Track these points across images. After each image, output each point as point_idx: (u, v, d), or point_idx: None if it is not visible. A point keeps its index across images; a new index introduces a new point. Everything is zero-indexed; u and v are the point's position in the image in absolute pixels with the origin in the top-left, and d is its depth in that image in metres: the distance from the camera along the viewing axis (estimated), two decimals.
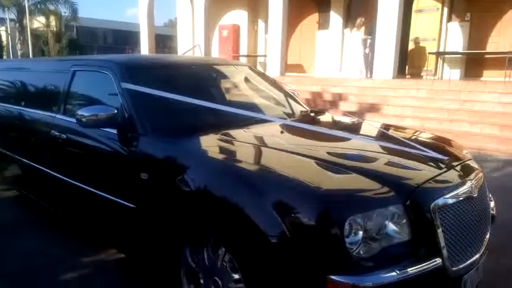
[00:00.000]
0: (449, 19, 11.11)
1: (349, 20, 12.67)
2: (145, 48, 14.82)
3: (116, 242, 3.00)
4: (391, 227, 1.80)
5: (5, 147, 4.05)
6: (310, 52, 13.71)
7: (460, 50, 10.76)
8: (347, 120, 3.43)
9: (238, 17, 14.96)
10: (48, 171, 3.31)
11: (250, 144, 2.41)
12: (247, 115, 2.65)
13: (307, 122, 3.02)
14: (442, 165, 2.18)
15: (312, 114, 3.29)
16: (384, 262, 1.73)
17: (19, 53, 18.75)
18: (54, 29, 21.20)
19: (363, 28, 10.88)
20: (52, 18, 21.32)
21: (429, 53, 10.97)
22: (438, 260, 1.82)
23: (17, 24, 18.28)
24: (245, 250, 1.89)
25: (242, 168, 2.02)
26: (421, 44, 11.54)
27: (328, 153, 2.31)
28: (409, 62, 11.66)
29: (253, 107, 3.10)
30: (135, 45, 31.71)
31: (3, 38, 21.43)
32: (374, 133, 2.90)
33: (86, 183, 2.90)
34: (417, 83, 9.44)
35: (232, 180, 2.01)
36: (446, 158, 2.26)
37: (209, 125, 2.68)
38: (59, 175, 3.19)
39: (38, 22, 21.00)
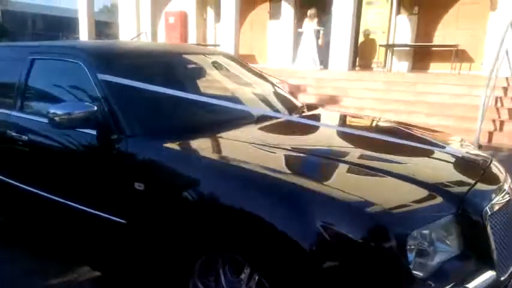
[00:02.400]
0: (398, 12, 11.35)
1: (301, 10, 12.58)
2: (84, 36, 13.78)
3: (94, 260, 2.58)
4: (445, 239, 1.62)
5: None
6: (262, 42, 13.50)
7: (408, 43, 11.05)
8: (354, 117, 3.21)
9: (185, 3, 14.35)
10: (1, 177, 2.80)
11: (269, 147, 2.10)
12: (252, 111, 2.34)
13: (315, 118, 2.77)
14: (478, 167, 2.04)
15: (317, 111, 3.04)
16: (443, 279, 1.55)
17: None
18: None
19: (315, 19, 10.82)
20: None
21: (379, 45, 11.17)
22: (492, 273, 1.67)
23: None
24: (284, 273, 1.61)
25: (276, 178, 1.72)
26: (371, 36, 11.73)
27: (360, 156, 2.08)
28: (359, 54, 11.81)
29: (249, 101, 2.79)
30: (71, 32, 29.73)
31: None
32: (394, 132, 2.69)
33: (56, 194, 2.46)
34: (372, 75, 9.57)
35: (265, 193, 1.70)
36: (479, 158, 2.12)
37: (209, 124, 2.36)
38: (15, 182, 2.70)
39: None
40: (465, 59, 10.13)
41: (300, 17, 12.24)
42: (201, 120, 2.40)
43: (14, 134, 2.67)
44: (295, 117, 2.59)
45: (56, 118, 2.16)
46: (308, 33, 10.76)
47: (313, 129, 2.51)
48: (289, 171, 1.86)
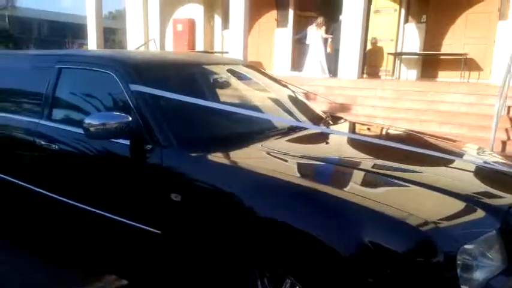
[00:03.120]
0: (406, 20, 11.39)
1: (300, 18, 12.69)
2: (92, 42, 13.84)
3: (123, 269, 2.58)
4: (491, 254, 1.61)
5: None
6: (269, 50, 13.55)
7: (417, 51, 11.08)
8: (382, 127, 3.20)
9: (193, 11, 14.43)
10: (30, 187, 2.79)
11: (307, 159, 2.10)
12: (284, 122, 2.34)
13: (344, 129, 2.77)
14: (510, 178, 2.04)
15: (343, 121, 3.03)
16: None
17: None
18: None
19: (323, 27, 10.87)
20: None
21: (388, 54, 11.20)
22: None
23: None
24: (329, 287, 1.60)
25: (321, 192, 1.72)
26: (379, 44, 11.77)
27: (397, 169, 2.08)
28: (366, 62, 11.84)
29: (277, 112, 2.78)
30: (76, 38, 29.89)
31: None
32: (423, 143, 2.68)
33: (87, 204, 2.45)
34: (382, 83, 9.58)
35: (311, 207, 1.70)
36: (507, 169, 2.12)
37: (242, 134, 2.35)
38: (44, 191, 2.69)
39: None
40: (474, 68, 10.15)
41: (301, 25, 12.33)
42: (233, 131, 2.40)
43: (43, 143, 2.68)
44: (329, 129, 2.59)
45: (91, 128, 2.17)
46: (315, 41, 10.80)
47: (344, 140, 2.51)
48: (332, 184, 1.85)
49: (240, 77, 3.03)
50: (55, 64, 2.82)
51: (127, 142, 2.25)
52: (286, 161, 2.09)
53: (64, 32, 34.56)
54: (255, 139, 2.29)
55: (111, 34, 31.15)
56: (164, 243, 2.12)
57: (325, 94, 9.29)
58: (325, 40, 10.90)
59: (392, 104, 8.45)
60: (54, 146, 2.61)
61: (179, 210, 2.03)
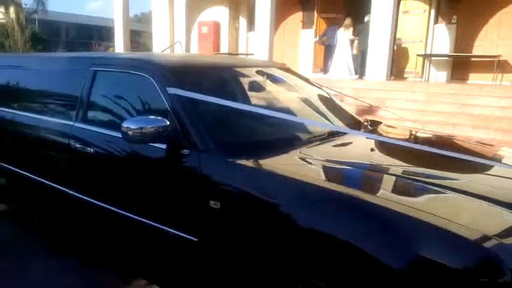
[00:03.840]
0: (436, 21, 11.11)
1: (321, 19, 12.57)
2: (119, 45, 14.02)
3: (154, 274, 2.53)
4: None
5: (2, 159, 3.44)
6: (294, 51, 13.45)
7: (447, 52, 10.79)
8: (426, 133, 3.06)
9: (218, 13, 14.46)
10: (64, 189, 2.78)
11: (354, 168, 2.00)
12: (327, 127, 2.25)
13: (386, 135, 2.66)
14: None
15: (384, 126, 2.92)
16: None
17: None
18: (21, 22, 19.70)
19: (351, 29, 10.72)
20: (15, 10, 19.79)
21: (417, 55, 10.94)
22: None
23: None
24: None
25: (371, 203, 1.62)
26: (406, 46, 11.53)
27: (449, 178, 1.96)
28: (393, 63, 11.60)
29: (315, 116, 2.69)
30: (102, 40, 30.43)
31: None
32: (473, 150, 2.55)
33: (121, 207, 2.42)
34: (411, 85, 9.36)
35: (360, 218, 1.60)
36: None
37: (280, 140, 2.28)
38: (77, 194, 2.67)
39: (7, 14, 19.41)
40: (507, 70, 9.82)
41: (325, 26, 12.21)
42: (272, 136, 2.32)
43: (78, 145, 2.66)
44: (370, 134, 2.48)
45: (129, 132, 2.13)
46: (343, 43, 10.65)
47: (386, 146, 2.40)
48: (382, 195, 1.75)
49: (275, 79, 2.95)
50: (90, 67, 2.80)
51: (163, 146, 2.21)
52: (331, 169, 2.00)
53: (90, 34, 35.27)
54: (295, 145, 2.20)
55: (137, 36, 31.59)
56: (201, 251, 2.06)
57: (354, 97, 9.13)
58: (352, 41, 10.75)
59: (423, 107, 8.23)
60: (89, 149, 2.59)
61: (218, 218, 1.96)
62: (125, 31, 13.95)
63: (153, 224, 2.24)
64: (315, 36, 12.65)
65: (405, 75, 11.39)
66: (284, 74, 3.19)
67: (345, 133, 2.47)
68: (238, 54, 14.42)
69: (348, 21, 10.57)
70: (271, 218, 1.79)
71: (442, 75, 10.96)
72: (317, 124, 2.35)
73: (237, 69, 2.84)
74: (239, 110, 2.27)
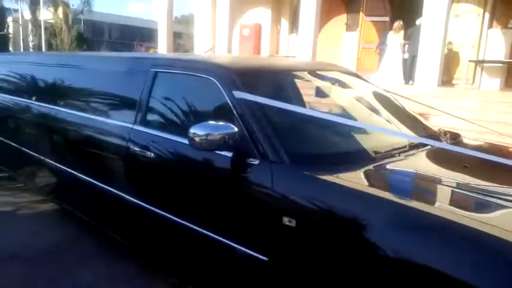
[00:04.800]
0: (490, 26, 10.57)
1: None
2: (163, 47, 14.15)
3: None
4: None
5: (55, 159, 3.40)
6: (336, 54, 13.14)
7: (502, 58, 10.23)
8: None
9: (259, 15, 14.37)
10: (120, 193, 2.69)
11: (456, 190, 1.77)
12: (410, 138, 2.03)
13: (471, 147, 2.42)
14: None
15: (465, 139, 2.67)
16: None
17: (31, 45, 17.95)
18: (68, 22, 20.35)
19: (401, 32, 10.30)
20: (63, 10, 20.46)
21: (469, 61, 10.44)
22: None
23: (30, 15, 17.43)
24: None
25: (488, 235, 1.40)
26: (456, 50, 11.02)
27: None
28: (443, 68, 11.12)
29: (392, 127, 2.47)
30: (143, 41, 31.02)
31: (11, 30, 20.60)
32: None
33: (183, 217, 2.29)
34: (465, 92, 8.90)
35: (465, 247, 1.39)
36: None
37: (358, 151, 2.07)
38: (140, 202, 2.56)
39: (50, 13, 20.17)
40: None
41: (370, 29, 11.85)
42: (349, 147, 2.12)
43: (137, 149, 2.56)
44: (460, 148, 2.23)
45: (196, 138, 2.00)
46: (393, 47, 10.25)
47: (473, 161, 2.15)
48: (491, 222, 1.51)
49: (342, 84, 2.75)
50: (150, 68, 2.70)
51: (229, 154, 2.06)
52: (427, 188, 1.79)
53: (132, 35, 36.05)
54: (375, 158, 2.00)
55: (177, 38, 32.04)
56: (271, 271, 1.90)
57: (402, 102, 8.77)
58: (403, 46, 10.33)
59: (478, 116, 7.76)
60: (149, 153, 2.48)
61: (292, 237, 1.79)
62: (168, 32, 14.08)
63: (218, 237, 2.10)
64: (360, 39, 12.36)
65: (454, 82, 10.90)
66: (349, 78, 2.98)
67: (427, 145, 2.24)
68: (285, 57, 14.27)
69: (398, 24, 10.15)
70: (357, 241, 1.60)
71: (495, 83, 10.40)
72: (401, 135, 2.13)
73: (303, 72, 2.65)
74: (312, 117, 2.09)
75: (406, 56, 10.21)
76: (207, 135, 1.99)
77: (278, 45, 14.58)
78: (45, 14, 18.40)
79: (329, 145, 2.13)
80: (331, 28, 13.39)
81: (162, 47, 14.12)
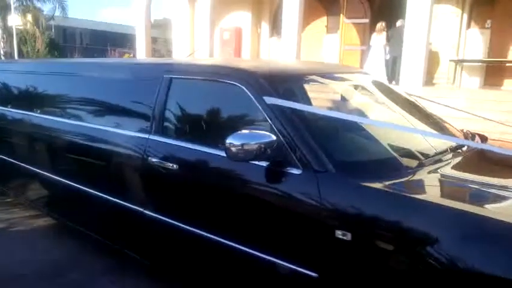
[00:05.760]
0: (468, 26, 10.80)
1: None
2: (141, 51, 13.87)
3: None
4: None
5: (57, 172, 3.18)
6: (317, 57, 13.16)
7: (480, 58, 10.47)
8: None
9: (240, 19, 14.27)
10: (137, 208, 2.52)
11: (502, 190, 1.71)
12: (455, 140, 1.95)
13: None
14: None
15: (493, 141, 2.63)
16: None
17: (2, 52, 17.26)
18: (39, 28, 19.67)
19: (384, 33, 10.42)
20: (34, 16, 19.76)
21: (450, 60, 10.65)
22: None
23: (0, 22, 16.75)
24: None
25: None
26: (436, 50, 11.20)
27: None
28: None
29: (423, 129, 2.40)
30: (117, 46, 30.39)
31: None
32: None
33: (219, 234, 2.13)
34: (450, 91, 9.04)
35: None
36: None
37: (403, 157, 1.98)
38: (160, 216, 2.40)
39: (23, 20, 19.44)
40: None
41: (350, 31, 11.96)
42: (393, 153, 2.02)
43: (154, 160, 2.40)
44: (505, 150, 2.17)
45: (233, 148, 1.86)
46: (376, 48, 10.36)
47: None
48: None
49: (365, 89, 2.66)
50: (163, 74, 2.55)
51: (264, 164, 1.94)
52: (490, 194, 1.71)
53: (104, 40, 35.28)
54: (424, 163, 1.91)
55: (152, 43, 31.58)
56: None
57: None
58: (385, 47, 10.45)
59: (467, 114, 7.89)
60: (170, 164, 2.32)
61: (348, 251, 1.68)
62: (146, 38, 13.84)
63: (258, 254, 1.97)
64: (341, 41, 12.44)
65: (434, 81, 11.07)
66: (373, 81, 2.87)
67: (461, 148, 2.18)
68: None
69: (380, 25, 10.28)
70: (423, 256, 1.50)
71: (475, 81, 10.62)
72: (453, 140, 2.05)
73: (329, 76, 2.55)
74: (350, 122, 1.99)
75: (388, 57, 10.34)
76: (242, 145, 1.86)
77: (259, 48, 14.51)
78: (15, 20, 17.76)
79: (373, 151, 2.03)
80: (311, 31, 13.42)
81: (141, 53, 13.84)
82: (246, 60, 3.10)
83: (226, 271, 2.20)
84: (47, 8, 20.31)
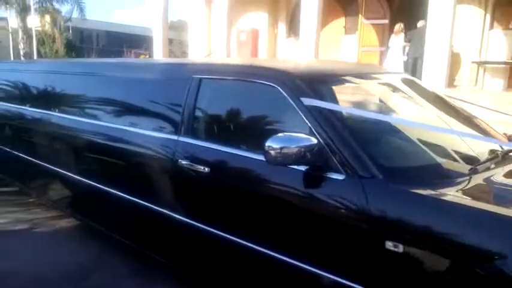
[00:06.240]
0: (491, 27, 10.55)
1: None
2: (158, 53, 13.88)
3: None
4: None
5: (82, 174, 3.14)
6: (336, 58, 13.02)
7: (504, 59, 10.21)
8: None
9: (256, 19, 14.20)
10: (166, 211, 2.45)
11: None
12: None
13: None
14: None
15: None
16: None
17: (22, 53, 17.53)
18: (58, 29, 19.94)
19: (401, 34, 10.26)
20: (52, 17, 19.99)
21: (472, 62, 10.42)
22: None
23: (19, 23, 16.96)
24: None
25: None
26: (457, 52, 10.97)
27: None
28: None
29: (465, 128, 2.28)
30: (133, 47, 30.62)
31: None
32: None
33: (254, 241, 2.04)
34: (474, 94, 8.83)
35: None
36: None
37: (457, 163, 1.87)
38: (191, 220, 2.33)
39: (42, 21, 19.69)
40: None
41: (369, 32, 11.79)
42: (444, 158, 1.91)
43: (184, 163, 2.32)
44: None
45: (272, 152, 1.78)
46: (395, 49, 10.20)
47: None
48: None
49: (405, 90, 2.54)
50: (192, 74, 2.47)
51: (302, 169, 1.85)
52: None
53: (120, 42, 35.59)
54: (479, 169, 1.80)
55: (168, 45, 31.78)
56: None
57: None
58: (403, 48, 10.29)
59: (496, 117, 7.69)
60: (201, 167, 2.25)
61: (399, 264, 1.57)
62: (164, 39, 13.84)
63: (298, 263, 1.87)
64: (359, 42, 12.29)
65: (456, 83, 10.84)
66: (411, 82, 2.75)
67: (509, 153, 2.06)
68: None
69: (399, 27, 10.12)
70: (485, 271, 1.39)
71: (498, 84, 10.37)
72: (496, 142, 1.93)
73: (365, 76, 2.44)
74: (392, 125, 1.88)
75: (405, 58, 10.19)
76: (281, 148, 1.77)
77: (275, 49, 14.43)
78: (34, 22, 17.99)
79: (420, 156, 1.92)
80: (329, 32, 13.28)
81: (158, 54, 13.85)
82: (279, 60, 3.01)
83: (263, 282, 2.10)
84: (65, 9, 20.58)
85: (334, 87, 2.18)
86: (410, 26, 10.46)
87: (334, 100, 2.00)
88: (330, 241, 1.79)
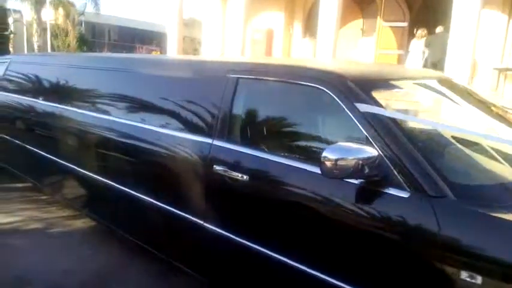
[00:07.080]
0: None
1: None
2: (173, 50, 13.72)
3: None
4: None
5: (104, 175, 2.97)
6: (352, 59, 12.81)
7: None
8: None
9: (272, 19, 14.01)
10: (196, 220, 2.27)
11: None
12: None
13: None
14: None
15: None
16: None
17: (35, 46, 17.46)
18: (74, 23, 19.87)
19: (423, 39, 10.07)
20: (65, 10, 19.92)
21: (494, 69, 10.16)
22: None
23: (34, 16, 16.91)
24: None
25: None
26: (478, 57, 10.70)
27: None
28: None
29: None
30: (142, 43, 30.56)
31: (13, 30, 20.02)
32: None
33: (299, 260, 1.86)
34: (497, 101, 8.56)
35: None
36: None
37: None
38: (225, 232, 2.15)
39: (56, 14, 19.64)
40: None
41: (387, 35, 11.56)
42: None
43: (219, 168, 2.14)
44: None
45: (327, 163, 1.59)
46: (415, 54, 10.01)
47: None
48: None
49: (445, 94, 2.34)
50: (227, 74, 2.29)
51: (356, 182, 1.67)
52: None
53: (132, 37, 35.61)
54: None
55: None
56: None
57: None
58: (422, 53, 10.10)
59: None
60: (239, 174, 2.06)
61: None
62: (179, 36, 13.69)
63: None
64: (377, 45, 12.06)
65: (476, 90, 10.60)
66: (460, 87, 2.55)
67: None
68: None
69: (422, 31, 9.97)
70: None
71: None
72: None
73: (419, 82, 2.24)
74: (458, 136, 1.69)
75: (423, 63, 10.03)
76: (336, 160, 1.58)
77: (290, 49, 14.22)
78: (48, 15, 17.95)
79: (496, 173, 1.72)
80: (346, 33, 13.06)
81: (172, 51, 13.69)
82: (326, 61, 2.81)
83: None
84: (78, 3, 20.53)
85: (390, 92, 1.98)
86: (429, 31, 10.26)
87: (393, 106, 1.81)
88: (393, 266, 1.60)
